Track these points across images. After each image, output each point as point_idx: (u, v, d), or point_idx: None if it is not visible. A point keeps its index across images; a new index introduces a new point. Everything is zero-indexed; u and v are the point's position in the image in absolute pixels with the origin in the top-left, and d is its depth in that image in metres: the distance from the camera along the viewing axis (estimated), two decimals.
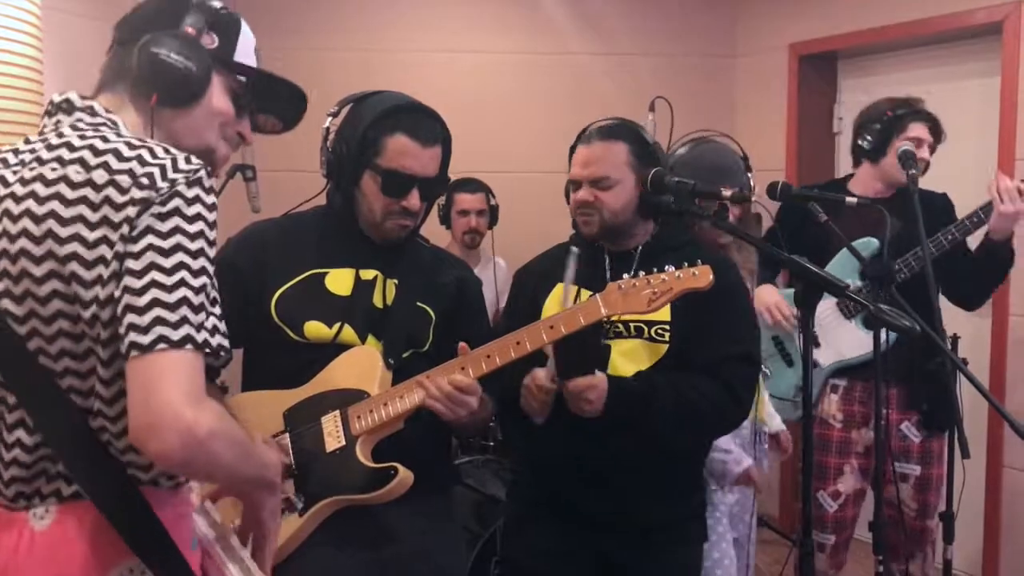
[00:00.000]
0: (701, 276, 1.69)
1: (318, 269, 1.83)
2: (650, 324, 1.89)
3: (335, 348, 1.79)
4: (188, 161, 1.15)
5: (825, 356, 2.79)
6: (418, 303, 1.87)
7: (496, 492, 2.86)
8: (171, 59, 1.22)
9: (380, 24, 4.16)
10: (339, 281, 1.83)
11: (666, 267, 1.71)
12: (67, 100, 1.22)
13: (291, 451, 1.75)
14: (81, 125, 1.19)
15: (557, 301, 1.95)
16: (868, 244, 2.61)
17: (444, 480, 2.01)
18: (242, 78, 1.34)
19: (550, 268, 2.02)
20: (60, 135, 1.18)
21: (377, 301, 1.84)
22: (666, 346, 1.89)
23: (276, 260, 1.83)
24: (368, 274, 1.85)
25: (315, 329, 1.79)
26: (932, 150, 2.77)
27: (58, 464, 1.17)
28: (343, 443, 1.73)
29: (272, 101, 1.41)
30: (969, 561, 3.54)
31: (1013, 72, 3.28)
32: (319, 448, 1.74)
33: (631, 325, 1.89)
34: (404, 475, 1.69)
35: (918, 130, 2.73)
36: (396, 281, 1.86)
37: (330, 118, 1.86)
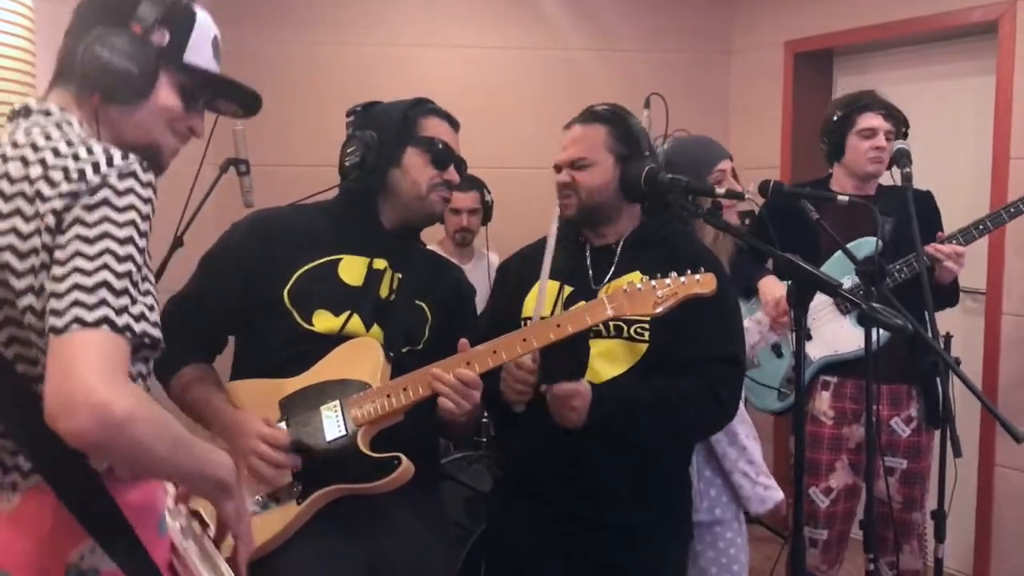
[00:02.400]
0: (705, 283, 1.74)
1: (333, 255, 1.86)
2: (629, 323, 1.87)
3: (338, 340, 1.81)
4: (124, 157, 1.15)
5: (816, 350, 2.79)
6: (417, 301, 1.90)
7: (488, 488, 2.86)
8: (113, 60, 1.23)
9: (376, 19, 4.15)
10: (352, 269, 1.86)
11: (671, 274, 1.74)
12: (25, 106, 1.24)
13: (288, 439, 1.75)
14: (33, 128, 1.20)
15: (537, 295, 1.94)
16: (870, 243, 2.61)
17: (434, 476, 2.02)
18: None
19: (531, 262, 2.02)
20: (11, 135, 1.20)
21: (383, 292, 1.87)
22: (646, 346, 1.88)
23: (287, 246, 1.85)
24: (379, 264, 1.88)
25: (323, 320, 1.81)
26: (896, 136, 2.79)
27: (16, 457, 1.18)
28: (343, 432, 1.74)
29: (227, 93, 1.41)
30: (961, 560, 3.55)
31: (1008, 71, 3.28)
32: (318, 437, 1.75)
33: (610, 324, 1.88)
34: (407, 466, 1.70)
35: (868, 120, 2.78)
36: (400, 275, 1.89)
37: (350, 118, 1.92)
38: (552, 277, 1.92)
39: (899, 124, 2.81)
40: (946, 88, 3.72)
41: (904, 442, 2.78)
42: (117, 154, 1.15)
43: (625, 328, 1.88)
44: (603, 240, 1.99)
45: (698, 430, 2.02)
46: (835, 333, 2.76)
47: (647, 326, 1.87)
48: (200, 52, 1.33)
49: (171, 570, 1.28)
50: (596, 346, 1.89)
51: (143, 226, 1.15)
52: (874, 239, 2.58)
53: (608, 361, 1.89)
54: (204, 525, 1.42)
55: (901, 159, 2.62)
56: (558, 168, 1.99)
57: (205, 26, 1.34)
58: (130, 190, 1.13)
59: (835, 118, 2.83)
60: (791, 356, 2.82)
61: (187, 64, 1.31)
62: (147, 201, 1.15)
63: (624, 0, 4.30)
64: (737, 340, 1.97)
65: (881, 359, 2.60)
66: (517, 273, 2.07)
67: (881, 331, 2.19)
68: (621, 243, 1.97)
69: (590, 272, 1.97)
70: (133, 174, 1.14)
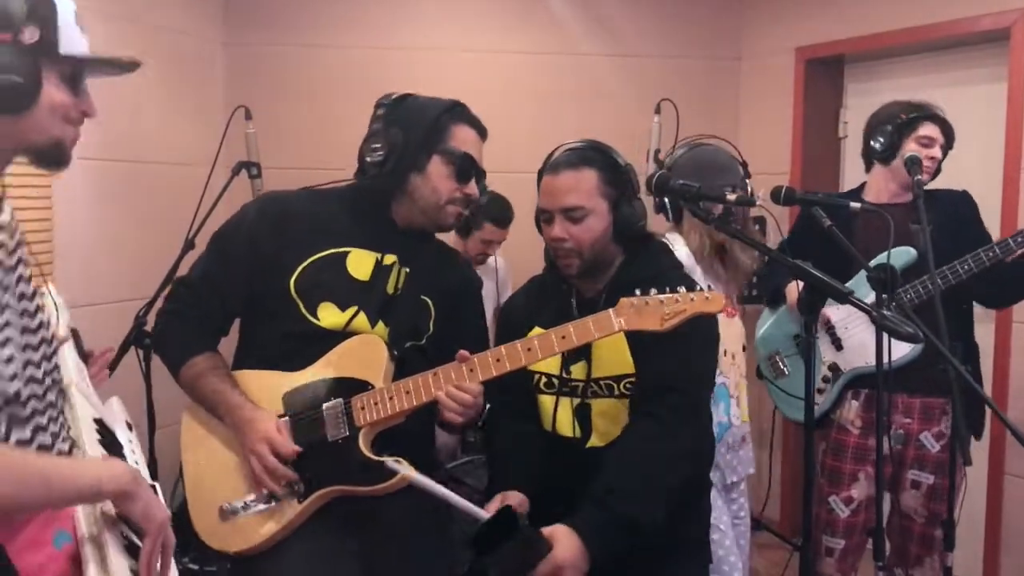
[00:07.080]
0: (713, 302, 1.69)
1: (341, 247, 1.85)
2: (618, 379, 1.86)
3: (342, 336, 1.81)
4: None
5: (847, 361, 2.78)
6: (422, 295, 1.90)
7: None
8: None
9: (388, 23, 4.15)
10: (360, 263, 1.85)
11: (679, 289, 1.69)
12: None
13: (294, 452, 1.75)
14: None
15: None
16: (906, 253, 2.60)
17: (429, 472, 2.02)
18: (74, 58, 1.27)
19: (532, 305, 1.99)
20: None
21: (390, 287, 1.86)
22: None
23: (298, 233, 1.85)
24: (389, 259, 1.87)
25: (328, 313, 1.80)
26: (944, 151, 2.80)
27: None
28: (346, 433, 1.75)
29: (104, 65, 1.34)
30: (969, 568, 3.53)
31: (1020, 78, 3.27)
32: (319, 435, 1.75)
33: (602, 383, 1.87)
34: (408, 470, 1.70)
35: (929, 129, 2.77)
36: (408, 270, 1.88)
37: (380, 110, 1.86)
38: (541, 326, 1.84)
39: (950, 139, 2.81)
40: (957, 95, 3.71)
41: (933, 457, 2.76)
42: None
43: (616, 386, 1.86)
44: (590, 287, 1.93)
45: (690, 478, 1.90)
46: (868, 345, 2.72)
47: (633, 380, 1.85)
48: (71, 38, 1.27)
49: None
50: (597, 406, 1.88)
51: None
52: (912, 249, 2.59)
53: (611, 421, 1.88)
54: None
55: (912, 167, 2.62)
56: (547, 216, 1.89)
57: (65, 9, 1.28)
58: None
59: (898, 120, 2.79)
60: (821, 365, 2.80)
61: (65, 56, 1.26)
62: None
63: (635, 6, 4.30)
64: (694, 368, 1.87)
65: (915, 372, 2.59)
66: (519, 317, 1.99)
67: (914, 344, 2.17)
68: (605, 287, 1.92)
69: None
70: None
